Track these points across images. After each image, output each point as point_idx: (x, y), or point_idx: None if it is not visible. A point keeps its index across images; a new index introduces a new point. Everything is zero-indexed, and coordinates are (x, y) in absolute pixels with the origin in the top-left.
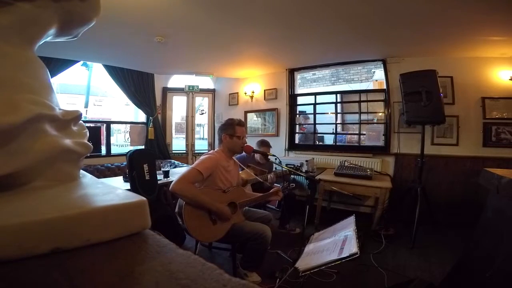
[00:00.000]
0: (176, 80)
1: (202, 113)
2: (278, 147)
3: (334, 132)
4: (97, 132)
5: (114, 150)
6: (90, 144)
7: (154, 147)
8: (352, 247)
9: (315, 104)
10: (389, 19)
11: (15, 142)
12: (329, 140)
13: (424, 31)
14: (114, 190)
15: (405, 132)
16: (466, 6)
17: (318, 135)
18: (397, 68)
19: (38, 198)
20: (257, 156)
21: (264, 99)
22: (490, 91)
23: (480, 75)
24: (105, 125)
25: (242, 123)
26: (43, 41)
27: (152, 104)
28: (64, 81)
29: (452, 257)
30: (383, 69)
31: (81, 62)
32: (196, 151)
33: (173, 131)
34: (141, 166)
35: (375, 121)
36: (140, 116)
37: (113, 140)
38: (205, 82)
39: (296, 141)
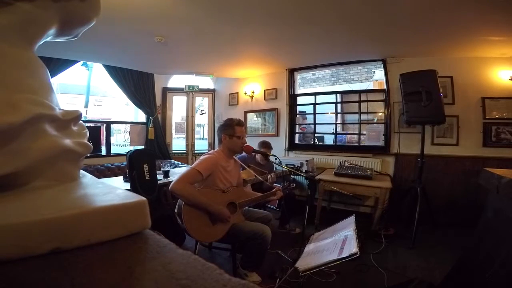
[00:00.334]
0: (176, 80)
1: (202, 113)
2: (278, 147)
3: (334, 132)
4: (97, 132)
5: (114, 150)
6: (90, 144)
7: (154, 147)
8: (352, 247)
9: (315, 104)
10: (389, 19)
11: (15, 142)
12: (329, 140)
13: (424, 31)
14: (114, 190)
15: (405, 132)
16: (466, 6)
17: (318, 135)
18: (397, 68)
19: (38, 198)
20: (257, 157)
21: (264, 99)
22: (490, 91)
23: (480, 75)
24: (105, 125)
25: (241, 123)
26: (43, 41)
27: (152, 104)
28: (64, 81)
29: (452, 257)
30: (383, 69)
31: (81, 62)
32: (196, 151)
33: (173, 131)
34: (141, 166)
35: (375, 121)
36: (140, 116)
37: (113, 140)
38: (205, 82)
39: (296, 141)
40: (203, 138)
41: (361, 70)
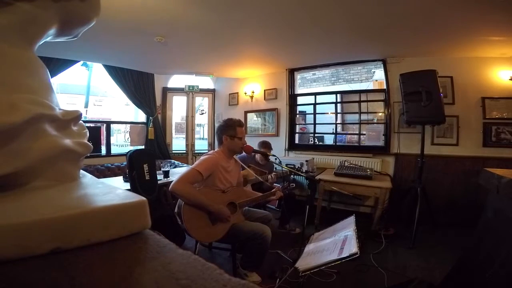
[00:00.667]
0: (176, 80)
1: (202, 113)
2: (278, 147)
3: (334, 132)
4: (97, 132)
5: (114, 150)
6: (90, 144)
7: (154, 147)
8: (352, 247)
9: (315, 104)
10: (389, 19)
11: (15, 142)
12: (329, 140)
13: (424, 31)
14: (114, 190)
15: (405, 132)
16: (466, 6)
17: (318, 135)
18: (397, 68)
19: (38, 198)
20: (257, 157)
21: (264, 99)
22: (490, 91)
23: (480, 75)
24: (105, 125)
25: (242, 124)
26: (43, 41)
27: (152, 104)
28: (64, 81)
29: (452, 257)
30: (383, 69)
31: (81, 62)
32: (196, 151)
33: (173, 131)
34: (141, 166)
35: (375, 121)
36: (140, 116)
37: (113, 140)
38: (205, 82)
39: (296, 141)
40: (203, 138)
41: (361, 70)
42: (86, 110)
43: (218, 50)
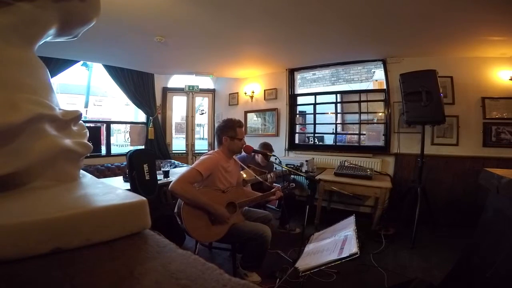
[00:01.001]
0: (176, 80)
1: (202, 113)
2: (278, 147)
3: (334, 132)
4: (97, 132)
5: (114, 150)
6: (90, 144)
7: (154, 147)
8: (352, 247)
9: (315, 104)
10: (389, 19)
11: (15, 142)
12: (329, 140)
13: (424, 31)
14: (114, 190)
15: (405, 132)
16: (466, 6)
17: (318, 135)
18: (397, 68)
19: (38, 198)
20: (257, 157)
21: (264, 99)
22: (490, 91)
23: (480, 75)
24: (105, 125)
25: (242, 124)
26: (43, 41)
27: (152, 104)
28: (64, 81)
29: (452, 257)
30: (383, 69)
31: (81, 62)
32: (196, 151)
33: (173, 131)
34: (141, 166)
35: (375, 121)
36: (140, 116)
37: (113, 140)
38: (205, 82)
39: (296, 141)
40: (203, 138)
41: (361, 70)
42: (86, 110)
43: (218, 50)
